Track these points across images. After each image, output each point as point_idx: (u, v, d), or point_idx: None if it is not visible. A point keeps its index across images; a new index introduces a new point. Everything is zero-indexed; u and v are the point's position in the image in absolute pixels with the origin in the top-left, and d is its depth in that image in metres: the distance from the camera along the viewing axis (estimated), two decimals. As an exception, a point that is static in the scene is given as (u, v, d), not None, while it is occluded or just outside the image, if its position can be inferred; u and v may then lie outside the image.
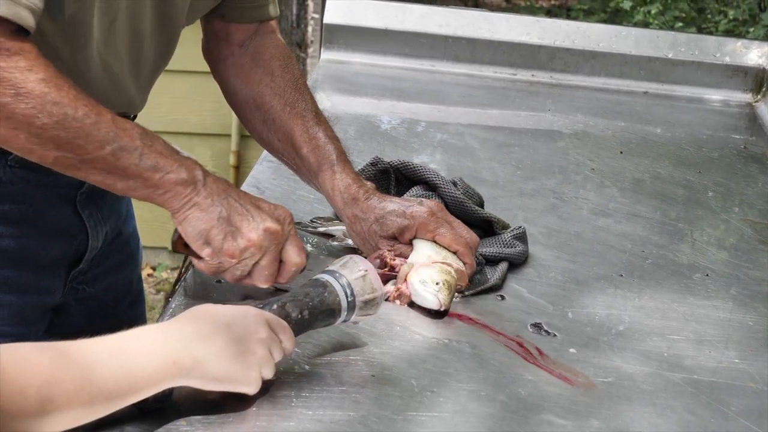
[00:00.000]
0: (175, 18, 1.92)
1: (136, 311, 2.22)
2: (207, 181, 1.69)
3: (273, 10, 2.13)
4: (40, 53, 1.61)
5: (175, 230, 1.73)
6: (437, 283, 1.75)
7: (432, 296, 1.75)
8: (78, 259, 1.95)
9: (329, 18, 3.24)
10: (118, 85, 1.85)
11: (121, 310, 2.13)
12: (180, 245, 1.72)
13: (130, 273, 2.16)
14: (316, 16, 7.06)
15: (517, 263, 1.96)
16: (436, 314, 1.74)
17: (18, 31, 1.58)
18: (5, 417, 1.19)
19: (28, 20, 1.58)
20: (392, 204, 1.90)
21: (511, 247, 1.97)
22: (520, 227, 2.03)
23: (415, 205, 1.89)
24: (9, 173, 1.77)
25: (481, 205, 2.10)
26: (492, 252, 1.95)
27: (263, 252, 1.70)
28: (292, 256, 1.73)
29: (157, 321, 1.60)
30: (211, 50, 2.14)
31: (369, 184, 1.96)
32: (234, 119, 5.20)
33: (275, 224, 1.70)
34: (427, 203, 1.90)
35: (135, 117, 1.99)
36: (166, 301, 1.87)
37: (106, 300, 2.06)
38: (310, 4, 7.30)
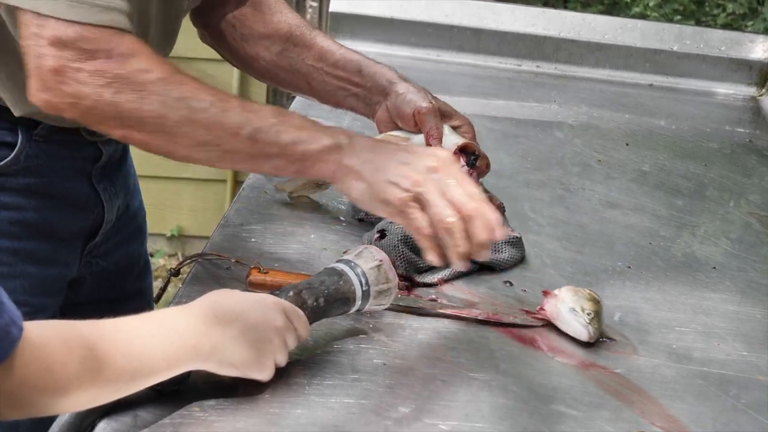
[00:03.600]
0: (177, 11, 1.92)
1: (143, 282, 2.24)
2: (353, 141, 1.67)
3: None
4: (152, 51, 1.62)
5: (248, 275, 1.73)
6: (588, 314, 1.70)
7: (582, 327, 1.70)
8: (94, 232, 1.98)
9: (335, 6, 3.25)
10: None
11: (129, 281, 2.15)
12: (249, 284, 1.72)
13: (138, 246, 2.19)
14: (314, 4, 7.05)
15: (500, 269, 1.93)
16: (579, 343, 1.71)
17: (117, 33, 1.59)
18: (32, 392, 1.20)
19: (125, 23, 1.59)
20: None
21: (496, 252, 1.93)
22: (518, 234, 1.99)
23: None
24: (35, 147, 1.79)
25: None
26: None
27: (435, 185, 1.62)
28: (467, 186, 1.65)
29: (171, 305, 1.61)
30: (202, 18, 2.15)
31: None
32: (234, 90, 5.17)
33: (434, 160, 1.65)
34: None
35: None
36: (164, 287, 1.88)
37: (117, 272, 2.09)
38: (313, -11, 7.29)
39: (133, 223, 2.15)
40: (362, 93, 2.09)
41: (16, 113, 1.75)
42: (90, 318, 1.35)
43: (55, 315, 1.94)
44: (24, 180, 1.81)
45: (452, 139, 1.95)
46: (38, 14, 1.56)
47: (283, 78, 2.18)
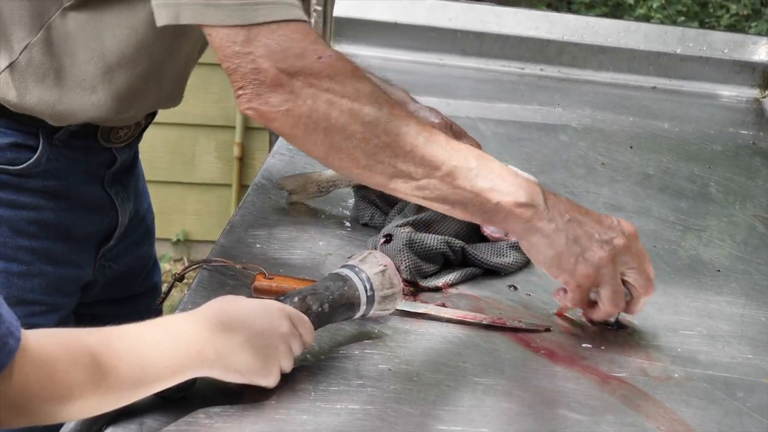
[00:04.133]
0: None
1: (150, 282, 2.25)
2: (548, 203, 1.65)
3: None
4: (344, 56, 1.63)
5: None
6: None
7: None
8: (108, 236, 2.01)
9: (339, 11, 3.25)
10: (182, 77, 1.93)
11: (137, 282, 2.17)
12: (254, 290, 1.73)
13: (147, 248, 2.22)
14: (319, 8, 7.06)
15: (505, 273, 1.93)
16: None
17: (312, 31, 1.61)
18: (35, 400, 1.20)
19: (306, 17, 1.60)
20: None
21: (500, 257, 1.93)
22: None
23: None
24: (55, 152, 1.82)
25: None
26: (479, 256, 1.92)
27: (618, 268, 1.67)
28: (644, 269, 1.71)
29: (176, 312, 1.61)
30: None
31: None
32: (238, 111, 5.18)
33: (622, 239, 1.67)
34: None
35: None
36: (167, 292, 1.89)
37: (126, 274, 2.12)
38: (313, -4, 7.30)
39: (142, 226, 2.18)
40: None
41: (53, 121, 1.79)
42: (98, 317, 1.35)
43: (69, 315, 1.97)
44: (43, 182, 1.85)
45: None
46: (234, 27, 1.57)
47: None
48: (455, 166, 1.61)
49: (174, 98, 2.00)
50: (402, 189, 1.64)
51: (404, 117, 1.62)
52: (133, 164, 2.08)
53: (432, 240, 1.88)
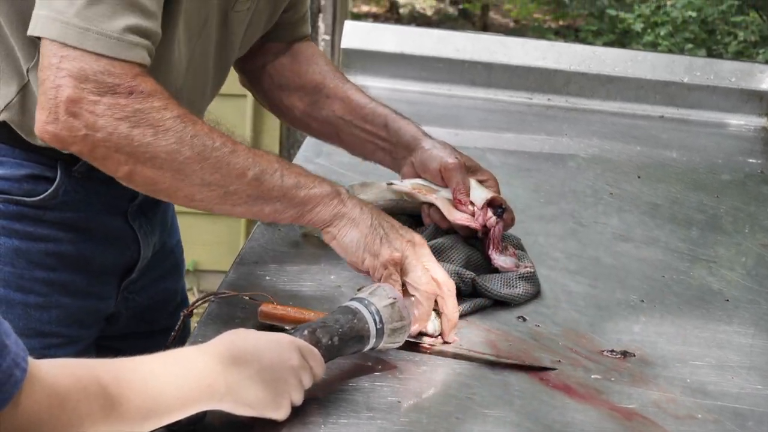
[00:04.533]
0: (232, 53, 1.99)
1: (178, 317, 2.21)
2: (350, 195, 1.76)
3: (306, 28, 2.23)
4: (169, 94, 1.67)
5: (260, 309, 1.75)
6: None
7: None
8: (131, 268, 2.02)
9: (347, 43, 3.27)
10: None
11: (163, 316, 2.16)
12: (260, 315, 1.74)
13: (174, 282, 2.22)
14: (327, 37, 7.08)
15: (514, 304, 1.93)
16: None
17: (141, 72, 1.64)
18: (45, 430, 1.20)
19: (147, 60, 1.64)
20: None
21: (510, 287, 1.93)
22: (531, 269, 1.99)
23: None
24: (74, 183, 1.83)
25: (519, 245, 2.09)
26: (489, 288, 1.91)
27: (419, 258, 1.76)
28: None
29: (186, 345, 1.61)
30: (242, 63, 2.20)
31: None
32: (248, 140, 5.21)
33: (418, 237, 1.78)
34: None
35: None
36: (178, 329, 1.89)
37: (151, 307, 2.12)
38: (321, 26, 7.32)
39: (170, 259, 2.19)
40: (389, 147, 2.13)
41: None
42: (122, 352, 1.35)
43: (90, 347, 1.97)
44: (61, 214, 1.85)
45: (479, 193, 2.00)
46: (64, 45, 1.59)
47: (315, 128, 2.24)
48: (261, 170, 1.71)
49: None
50: (211, 198, 1.71)
51: (208, 132, 1.68)
52: (153, 198, 2.06)
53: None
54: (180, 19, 1.75)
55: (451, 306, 1.74)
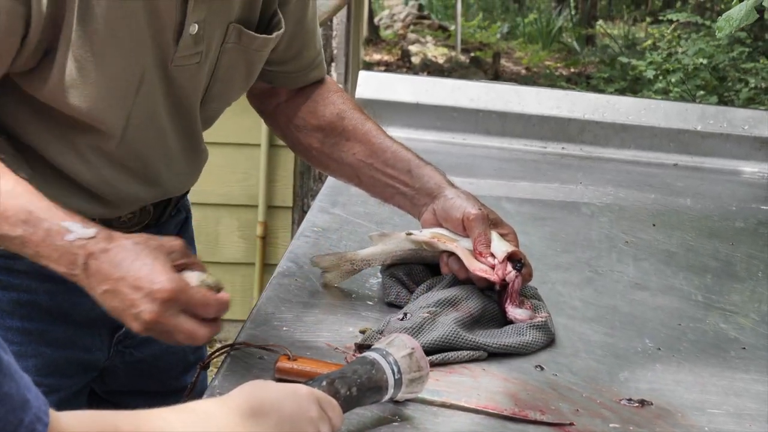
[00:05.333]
0: (191, 109, 1.96)
1: (187, 382, 2.15)
2: (88, 270, 1.60)
3: (317, 74, 2.20)
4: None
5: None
6: None
7: None
8: (116, 330, 1.98)
9: (361, 92, 3.28)
10: (149, 173, 1.90)
11: (173, 376, 2.14)
12: (276, 371, 1.73)
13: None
14: (339, 86, 7.13)
15: (527, 352, 1.92)
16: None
17: None
18: None
19: None
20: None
21: (521, 335, 1.93)
22: (542, 318, 1.98)
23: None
24: None
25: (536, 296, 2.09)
26: (496, 342, 1.90)
27: (171, 311, 1.60)
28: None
29: (204, 397, 1.61)
30: (257, 103, 2.23)
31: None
32: (261, 190, 5.24)
33: (149, 309, 1.60)
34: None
35: (186, 192, 2.06)
36: (194, 382, 1.89)
37: (156, 365, 2.08)
38: (334, 74, 7.37)
39: None
40: (410, 193, 2.11)
41: None
42: (133, 407, 1.35)
43: (70, 396, 1.94)
44: (32, 264, 1.72)
45: (500, 246, 1.99)
46: None
47: (334, 169, 2.22)
48: (2, 234, 1.59)
49: (170, 186, 1.99)
50: None
51: None
52: None
53: (443, 328, 1.87)
54: (76, 99, 1.73)
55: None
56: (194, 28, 1.83)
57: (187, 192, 2.11)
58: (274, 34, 1.99)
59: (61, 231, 1.60)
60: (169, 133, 1.93)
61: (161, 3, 1.77)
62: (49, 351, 1.88)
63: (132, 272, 1.59)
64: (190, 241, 2.13)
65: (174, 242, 1.66)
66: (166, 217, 2.05)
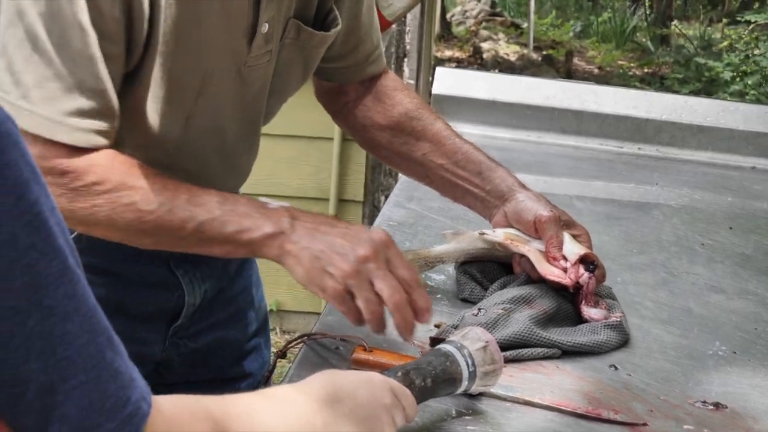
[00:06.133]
0: (258, 106, 2.00)
1: (242, 370, 2.22)
2: (295, 226, 1.72)
3: (376, 67, 2.21)
4: (110, 161, 1.73)
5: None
6: None
7: None
8: (177, 314, 2.02)
9: (437, 88, 3.30)
10: (205, 171, 1.93)
11: (227, 364, 2.16)
12: (353, 362, 1.76)
13: (238, 332, 2.19)
14: (412, 82, 7.13)
15: (600, 352, 1.93)
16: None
17: (78, 151, 1.70)
18: None
19: (101, 141, 1.72)
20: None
21: (595, 334, 1.94)
22: (617, 319, 1.99)
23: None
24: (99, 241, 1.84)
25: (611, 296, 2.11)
26: (567, 340, 1.92)
27: (366, 278, 1.69)
28: (399, 273, 1.72)
29: (280, 383, 1.63)
30: (326, 102, 2.25)
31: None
32: (333, 184, 5.27)
33: (367, 247, 1.70)
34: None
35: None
36: (271, 370, 1.92)
37: (211, 354, 2.11)
38: (406, 70, 7.38)
39: (230, 307, 2.17)
40: (481, 194, 2.12)
41: None
42: None
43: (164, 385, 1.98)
44: (91, 258, 1.81)
45: (572, 248, 2.00)
46: (37, 137, 1.68)
47: (404, 167, 2.25)
48: (199, 222, 1.70)
49: (224, 183, 1.99)
50: (165, 244, 1.77)
51: (143, 198, 1.71)
52: None
53: (517, 325, 1.89)
54: (150, 95, 1.78)
55: (400, 319, 1.72)
56: (265, 27, 1.85)
57: (238, 190, 2.12)
58: (332, 31, 2.01)
59: (261, 203, 1.75)
60: (229, 134, 1.96)
61: (234, 5, 1.80)
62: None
63: (336, 226, 1.74)
64: None
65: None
66: None
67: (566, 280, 1.96)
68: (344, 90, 2.21)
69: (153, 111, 1.80)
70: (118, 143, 1.78)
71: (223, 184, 1.92)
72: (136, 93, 1.77)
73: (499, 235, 2.06)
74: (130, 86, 1.77)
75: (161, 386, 2.01)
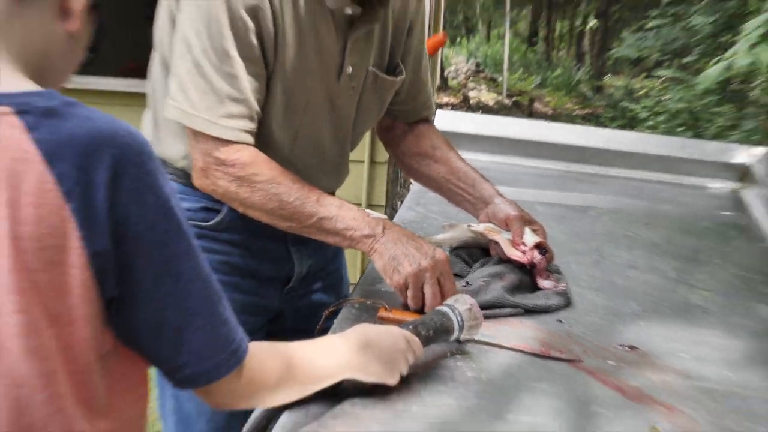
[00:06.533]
0: (346, 128, 1.99)
1: (330, 324, 2.21)
2: (385, 233, 1.76)
3: (425, 114, 2.24)
4: (265, 159, 1.74)
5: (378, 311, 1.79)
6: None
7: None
8: (289, 279, 2.04)
9: (438, 126, 3.27)
10: (308, 173, 1.90)
11: (320, 318, 2.18)
12: (378, 318, 1.78)
13: (331, 297, 2.19)
14: (436, 128, 7.06)
15: (551, 311, 1.93)
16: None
17: (241, 147, 1.73)
18: (255, 389, 1.26)
19: (245, 137, 1.74)
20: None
21: (548, 299, 1.94)
22: (563, 288, 1.99)
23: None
24: (234, 214, 1.86)
25: (558, 271, 2.11)
26: (530, 303, 1.92)
27: (421, 281, 1.74)
28: (446, 285, 1.76)
29: (329, 334, 1.64)
30: (383, 134, 2.27)
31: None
32: (364, 193, 5.21)
33: (429, 262, 1.73)
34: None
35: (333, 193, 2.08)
36: (323, 323, 1.93)
37: (311, 311, 2.10)
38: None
39: (328, 279, 2.18)
40: (472, 200, 2.14)
41: None
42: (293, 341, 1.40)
43: (253, 332, 1.97)
44: (230, 235, 1.90)
45: (530, 238, 2.01)
46: (192, 129, 1.72)
47: (423, 181, 2.26)
48: (321, 217, 1.74)
49: (324, 186, 1.97)
50: (295, 229, 1.78)
51: (287, 190, 1.74)
52: None
53: (492, 293, 1.89)
54: (273, 106, 1.80)
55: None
56: (349, 69, 1.87)
57: (333, 193, 2.14)
58: (398, 78, 2.03)
59: (365, 212, 1.79)
60: (327, 149, 1.96)
61: (328, 50, 1.82)
62: (240, 297, 1.91)
63: (414, 241, 1.78)
64: None
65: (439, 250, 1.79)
66: None
67: (525, 259, 1.98)
68: (395, 126, 2.23)
69: (274, 122, 1.81)
70: None
71: (322, 185, 1.93)
72: (264, 107, 1.80)
73: (481, 227, 2.07)
74: (265, 102, 1.80)
75: (277, 330, 2.03)
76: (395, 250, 1.75)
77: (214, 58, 1.69)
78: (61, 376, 1.04)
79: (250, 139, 1.75)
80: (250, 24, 1.70)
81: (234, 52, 1.69)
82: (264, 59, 1.75)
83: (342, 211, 1.76)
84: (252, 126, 1.75)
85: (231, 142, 1.72)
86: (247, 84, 1.72)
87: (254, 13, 1.70)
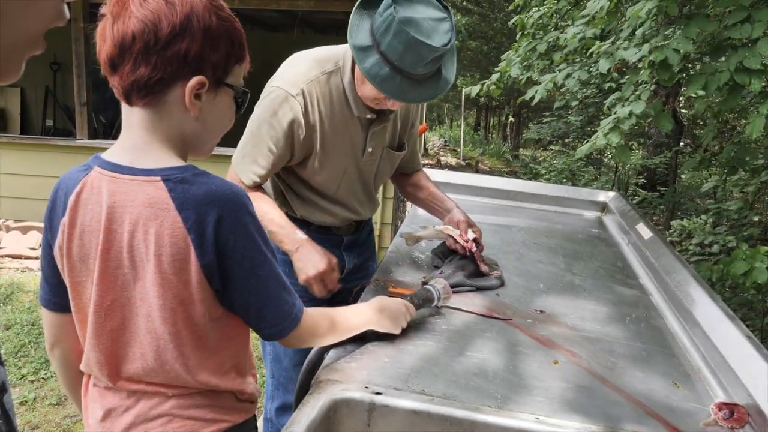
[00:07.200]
0: (370, 184, 1.94)
1: (359, 296, 2.13)
2: (300, 248, 1.61)
3: (414, 167, 2.16)
4: (259, 195, 1.68)
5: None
6: None
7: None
8: (341, 270, 1.96)
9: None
10: (351, 208, 1.88)
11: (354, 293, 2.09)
12: (388, 292, 1.69)
13: (361, 283, 2.09)
14: (425, 172, 7.03)
15: (490, 289, 1.86)
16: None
17: (251, 190, 1.67)
18: (309, 336, 1.20)
19: (255, 184, 1.68)
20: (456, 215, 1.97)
21: (488, 281, 1.88)
22: (499, 274, 1.92)
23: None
24: (314, 234, 1.81)
25: (496, 264, 2.03)
26: (477, 284, 1.85)
27: (319, 278, 1.59)
28: (330, 283, 1.60)
29: (359, 302, 1.60)
30: (394, 179, 2.17)
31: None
32: (379, 215, 5.15)
33: (324, 266, 1.59)
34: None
35: (367, 219, 2.00)
36: (354, 297, 1.88)
37: (347, 291, 2.01)
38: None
39: (363, 270, 2.09)
40: (441, 211, 2.07)
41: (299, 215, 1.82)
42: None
43: (318, 304, 1.90)
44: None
45: (471, 234, 1.94)
46: (235, 172, 1.67)
47: (413, 201, 2.18)
48: (270, 231, 1.60)
49: (361, 213, 1.93)
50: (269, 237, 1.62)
51: (268, 209, 1.62)
52: (359, 241, 2.00)
53: (456, 278, 1.83)
54: (317, 176, 1.74)
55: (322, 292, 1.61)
56: (370, 148, 1.83)
57: (371, 218, 2.07)
58: (403, 152, 1.99)
59: (295, 232, 1.64)
60: (359, 193, 1.92)
61: (356, 139, 1.78)
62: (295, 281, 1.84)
63: (315, 254, 1.59)
64: (370, 236, 2.09)
65: (333, 258, 1.61)
66: (362, 228, 2.02)
67: (467, 246, 1.89)
68: (400, 175, 2.17)
69: (321, 180, 1.76)
70: (307, 189, 1.74)
71: (361, 214, 1.89)
72: (308, 171, 1.74)
73: (442, 227, 1.99)
74: (303, 167, 1.74)
75: (331, 302, 1.92)
76: (305, 258, 1.59)
77: (256, 138, 1.66)
78: (184, 333, 1.05)
79: (258, 184, 1.71)
80: (286, 130, 1.65)
81: (269, 140, 1.66)
82: (292, 148, 1.69)
83: (283, 231, 1.61)
84: (261, 180, 1.70)
85: (248, 186, 1.69)
86: (269, 159, 1.67)
87: (290, 124, 1.65)
